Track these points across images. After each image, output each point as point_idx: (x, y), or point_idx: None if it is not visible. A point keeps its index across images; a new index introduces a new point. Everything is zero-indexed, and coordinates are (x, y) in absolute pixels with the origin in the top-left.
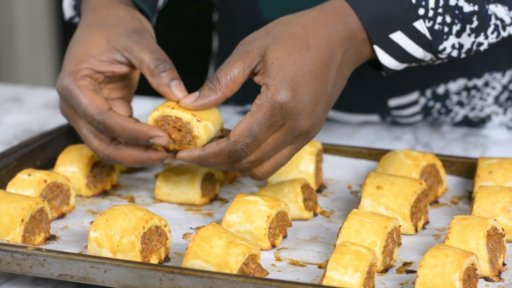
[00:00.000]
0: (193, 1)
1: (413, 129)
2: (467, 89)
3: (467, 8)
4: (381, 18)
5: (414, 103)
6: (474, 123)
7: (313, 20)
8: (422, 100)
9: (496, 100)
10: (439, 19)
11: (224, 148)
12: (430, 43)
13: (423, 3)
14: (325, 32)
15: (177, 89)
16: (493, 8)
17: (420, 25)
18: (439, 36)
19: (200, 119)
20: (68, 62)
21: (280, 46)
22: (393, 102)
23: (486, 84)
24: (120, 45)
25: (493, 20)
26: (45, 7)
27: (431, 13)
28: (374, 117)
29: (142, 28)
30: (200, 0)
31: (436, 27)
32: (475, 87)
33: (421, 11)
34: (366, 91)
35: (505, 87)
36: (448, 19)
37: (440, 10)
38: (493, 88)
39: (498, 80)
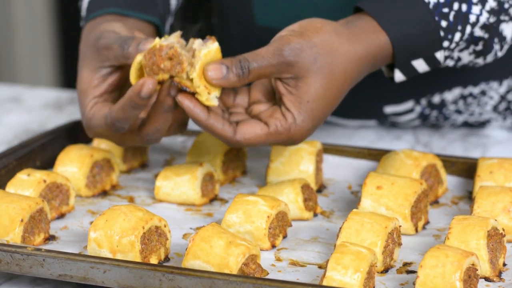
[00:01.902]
0: (193, 3)
1: (413, 129)
2: (463, 97)
3: (478, 33)
4: (411, 50)
5: (410, 110)
6: (474, 127)
7: (355, 62)
8: (418, 108)
9: (495, 109)
10: (457, 49)
11: (226, 136)
12: (440, 65)
13: (449, 36)
14: (357, 77)
15: (149, 43)
16: (503, 26)
17: (440, 55)
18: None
19: (210, 91)
20: (80, 108)
21: (321, 88)
22: (389, 109)
23: (483, 92)
24: (97, 62)
25: (495, 47)
26: (45, 7)
27: (453, 45)
28: (372, 122)
29: (100, 35)
30: (201, 3)
31: (452, 55)
32: (471, 94)
33: (446, 44)
34: (361, 98)
35: (503, 97)
36: (462, 44)
37: (461, 42)
38: (491, 97)
39: (495, 90)
